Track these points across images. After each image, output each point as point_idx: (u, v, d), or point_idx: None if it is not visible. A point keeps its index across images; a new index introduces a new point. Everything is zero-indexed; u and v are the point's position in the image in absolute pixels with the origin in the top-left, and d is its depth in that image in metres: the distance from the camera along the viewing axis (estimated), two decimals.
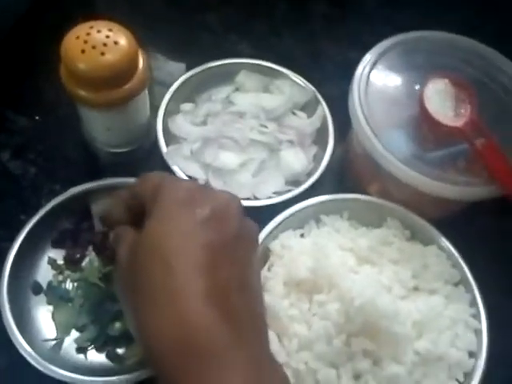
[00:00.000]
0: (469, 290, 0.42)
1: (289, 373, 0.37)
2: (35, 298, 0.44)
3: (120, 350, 0.42)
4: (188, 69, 0.54)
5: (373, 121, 0.44)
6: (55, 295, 0.44)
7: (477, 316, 0.41)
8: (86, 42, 0.40)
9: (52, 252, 0.46)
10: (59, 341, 0.42)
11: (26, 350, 0.39)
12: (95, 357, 0.42)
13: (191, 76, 0.53)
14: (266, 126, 0.52)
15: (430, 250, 0.43)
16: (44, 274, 0.45)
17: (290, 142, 0.51)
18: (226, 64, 0.55)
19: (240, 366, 0.29)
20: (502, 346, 0.40)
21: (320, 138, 0.52)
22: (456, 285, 0.42)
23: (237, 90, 0.55)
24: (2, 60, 0.55)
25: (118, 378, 0.39)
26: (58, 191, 0.47)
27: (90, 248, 0.46)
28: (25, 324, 0.41)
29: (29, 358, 0.39)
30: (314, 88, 0.53)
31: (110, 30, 0.41)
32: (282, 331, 0.39)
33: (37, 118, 0.54)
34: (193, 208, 0.33)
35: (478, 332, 0.40)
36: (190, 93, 0.54)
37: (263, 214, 0.44)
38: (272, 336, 0.38)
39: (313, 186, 0.48)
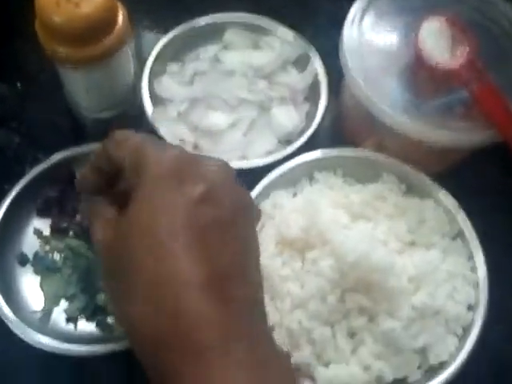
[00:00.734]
0: (467, 243, 0.40)
1: (282, 333, 0.36)
2: (22, 269, 0.43)
3: (110, 320, 0.41)
4: (174, 26, 0.51)
5: (366, 70, 0.42)
6: (42, 266, 0.43)
7: (475, 269, 0.39)
8: None
9: (38, 222, 0.45)
10: (47, 311, 0.42)
11: (12, 322, 0.38)
12: (84, 326, 0.41)
13: (177, 34, 0.51)
14: (256, 84, 0.50)
15: (427, 204, 0.42)
16: (30, 244, 0.44)
17: (282, 99, 0.49)
18: (214, 22, 0.52)
19: (243, 364, 0.26)
20: (501, 300, 0.39)
21: (312, 94, 0.50)
22: (454, 238, 0.41)
23: (225, 48, 0.53)
24: None
25: (108, 345, 0.38)
26: (42, 160, 0.45)
27: (78, 217, 0.45)
28: (12, 295, 0.41)
29: (16, 330, 0.38)
30: (305, 42, 0.51)
31: None
32: (276, 292, 0.37)
33: (18, 85, 0.52)
34: (183, 184, 0.29)
35: (476, 286, 0.39)
36: (177, 52, 0.52)
37: (255, 175, 0.43)
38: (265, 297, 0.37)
39: (306, 145, 0.46)
